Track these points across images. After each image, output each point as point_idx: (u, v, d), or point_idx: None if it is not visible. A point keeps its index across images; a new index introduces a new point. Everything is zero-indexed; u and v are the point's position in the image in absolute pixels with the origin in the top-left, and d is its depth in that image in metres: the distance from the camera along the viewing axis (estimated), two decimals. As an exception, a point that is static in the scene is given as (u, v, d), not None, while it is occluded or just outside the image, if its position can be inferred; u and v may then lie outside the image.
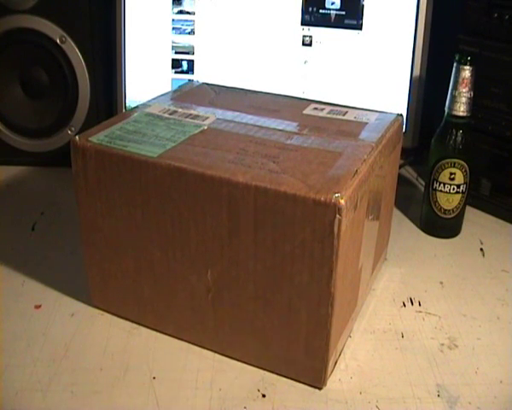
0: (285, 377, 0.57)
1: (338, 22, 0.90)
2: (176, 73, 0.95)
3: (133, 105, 0.84)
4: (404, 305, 0.68)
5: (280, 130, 0.62)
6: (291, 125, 0.63)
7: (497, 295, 0.70)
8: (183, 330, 0.61)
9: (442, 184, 0.78)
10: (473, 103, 0.75)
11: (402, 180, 0.89)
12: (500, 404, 0.55)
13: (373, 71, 0.92)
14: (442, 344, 0.62)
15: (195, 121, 0.63)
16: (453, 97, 0.75)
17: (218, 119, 0.64)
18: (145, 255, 0.59)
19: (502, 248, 0.79)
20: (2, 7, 0.87)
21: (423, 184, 0.83)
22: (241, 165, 0.53)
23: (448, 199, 0.79)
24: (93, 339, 0.62)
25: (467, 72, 0.73)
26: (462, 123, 0.76)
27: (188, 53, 0.94)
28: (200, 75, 0.95)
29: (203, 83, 0.77)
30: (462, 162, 0.77)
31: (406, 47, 0.90)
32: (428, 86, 0.92)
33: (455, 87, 0.75)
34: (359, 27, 0.90)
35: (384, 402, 0.55)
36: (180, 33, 0.94)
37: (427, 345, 0.62)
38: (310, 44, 0.92)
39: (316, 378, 0.56)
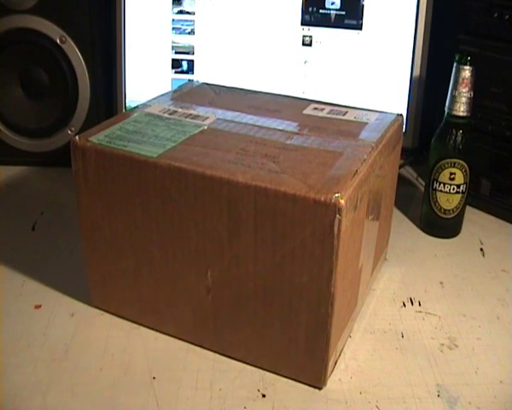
0: (285, 377, 0.57)
1: (338, 22, 0.90)
2: (176, 73, 0.95)
3: (133, 105, 0.84)
4: (404, 305, 0.68)
5: (280, 130, 0.62)
6: (291, 125, 0.63)
7: (497, 295, 0.70)
8: (183, 330, 0.61)
9: (442, 184, 0.78)
10: (473, 103, 0.75)
11: (402, 180, 0.89)
12: (500, 404, 0.55)
13: (373, 71, 0.92)
14: (442, 344, 0.62)
15: (195, 121, 0.63)
16: (453, 97, 0.75)
17: (218, 119, 0.64)
18: (145, 255, 0.59)
19: (502, 248, 0.79)
20: (3, 7, 0.87)
21: (423, 184, 0.83)
22: (241, 165, 0.53)
23: (448, 199, 0.79)
24: (93, 339, 0.62)
25: (467, 72, 0.73)
26: (462, 123, 0.76)
27: (188, 53, 0.94)
28: (200, 75, 0.95)
29: (203, 83, 0.77)
30: (462, 162, 0.77)
31: (406, 47, 0.90)
32: (428, 86, 0.92)
33: (455, 87, 0.75)
34: (359, 27, 0.90)
35: (384, 402, 0.55)
36: (180, 33, 0.94)
37: (427, 345, 0.62)
38: (310, 44, 0.92)
39: (316, 378, 0.56)
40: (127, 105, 0.96)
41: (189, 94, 0.73)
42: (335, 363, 0.58)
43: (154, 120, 0.63)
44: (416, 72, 0.90)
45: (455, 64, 0.74)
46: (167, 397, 0.55)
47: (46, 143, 0.95)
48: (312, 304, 0.52)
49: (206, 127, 0.62)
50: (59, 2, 0.88)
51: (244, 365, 0.59)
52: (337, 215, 0.48)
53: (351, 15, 0.90)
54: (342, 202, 0.48)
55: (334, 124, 0.64)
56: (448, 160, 0.77)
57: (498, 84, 0.81)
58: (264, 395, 0.55)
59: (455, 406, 0.54)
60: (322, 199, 0.48)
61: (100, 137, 0.58)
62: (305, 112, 0.67)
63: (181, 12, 0.93)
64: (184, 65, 0.95)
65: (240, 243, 0.53)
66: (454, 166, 0.77)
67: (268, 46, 0.93)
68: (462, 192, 0.78)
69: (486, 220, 0.86)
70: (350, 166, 0.53)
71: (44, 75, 0.92)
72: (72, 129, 0.93)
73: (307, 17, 0.91)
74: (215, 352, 0.60)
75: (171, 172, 0.54)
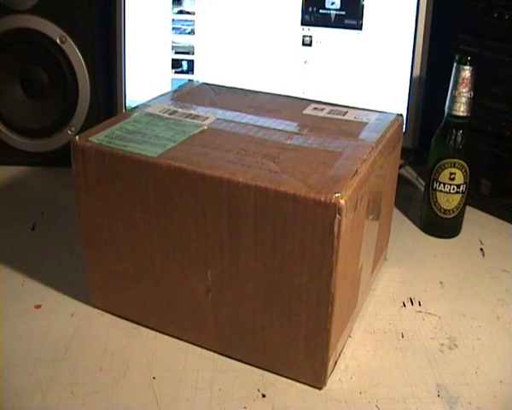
0: (285, 377, 0.57)
1: (338, 22, 0.90)
2: (176, 73, 0.95)
3: (133, 105, 0.84)
4: (404, 305, 0.68)
5: (280, 130, 0.62)
6: (291, 125, 0.63)
7: (497, 295, 0.70)
8: (183, 330, 0.61)
9: (442, 184, 0.78)
10: (473, 103, 0.75)
11: (402, 180, 0.89)
12: (500, 404, 0.55)
13: (373, 71, 0.92)
14: (442, 344, 0.62)
15: (195, 121, 0.63)
16: (453, 97, 0.75)
17: (218, 119, 0.64)
18: (145, 255, 0.59)
19: (502, 248, 0.79)
20: (3, 7, 0.87)
21: (423, 184, 0.83)
22: (241, 165, 0.53)
23: (448, 199, 0.79)
24: (93, 339, 0.62)
25: (467, 72, 0.73)
26: (462, 123, 0.76)
27: (188, 53, 0.94)
28: (200, 75, 0.95)
29: (203, 83, 0.77)
30: (462, 162, 0.77)
31: (406, 47, 0.90)
32: (428, 86, 0.92)
33: (455, 87, 0.75)
34: (359, 27, 0.90)
35: (384, 402, 0.55)
36: (180, 33, 0.94)
37: (427, 345, 0.62)
38: (310, 44, 0.92)
39: (316, 378, 0.56)
40: (127, 105, 0.96)
41: (189, 94, 0.73)
42: (335, 363, 0.58)
43: (154, 120, 0.63)
44: (416, 72, 0.90)
45: (455, 64, 0.74)
46: (167, 397, 0.55)
47: (46, 143, 0.95)
48: (312, 304, 0.52)
49: (206, 127, 0.62)
50: (59, 2, 0.88)
51: (244, 365, 0.59)
52: (337, 215, 0.48)
53: (351, 15, 0.90)
54: (342, 202, 0.48)
55: (334, 124, 0.64)
56: (448, 160, 0.77)
57: (498, 84, 0.81)
58: (264, 395, 0.55)
59: (455, 406, 0.54)
60: (322, 199, 0.48)
61: (100, 137, 0.58)
62: (305, 112, 0.67)
63: (181, 12, 0.93)
64: (184, 65, 0.95)
65: (240, 243, 0.53)
66: (454, 167, 0.77)
67: (268, 46, 0.93)
68: (462, 192, 0.78)
69: (486, 220, 0.86)
70: (350, 166, 0.53)
71: (44, 75, 0.92)
72: (72, 129, 0.93)
73: (307, 17, 0.91)
74: (215, 352, 0.60)
75: (171, 172, 0.54)
